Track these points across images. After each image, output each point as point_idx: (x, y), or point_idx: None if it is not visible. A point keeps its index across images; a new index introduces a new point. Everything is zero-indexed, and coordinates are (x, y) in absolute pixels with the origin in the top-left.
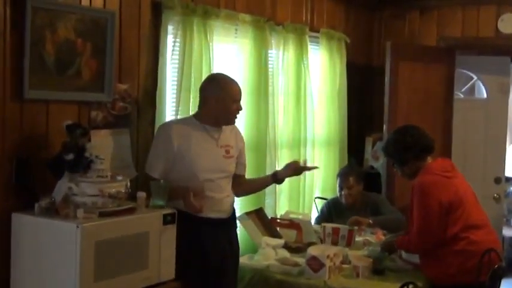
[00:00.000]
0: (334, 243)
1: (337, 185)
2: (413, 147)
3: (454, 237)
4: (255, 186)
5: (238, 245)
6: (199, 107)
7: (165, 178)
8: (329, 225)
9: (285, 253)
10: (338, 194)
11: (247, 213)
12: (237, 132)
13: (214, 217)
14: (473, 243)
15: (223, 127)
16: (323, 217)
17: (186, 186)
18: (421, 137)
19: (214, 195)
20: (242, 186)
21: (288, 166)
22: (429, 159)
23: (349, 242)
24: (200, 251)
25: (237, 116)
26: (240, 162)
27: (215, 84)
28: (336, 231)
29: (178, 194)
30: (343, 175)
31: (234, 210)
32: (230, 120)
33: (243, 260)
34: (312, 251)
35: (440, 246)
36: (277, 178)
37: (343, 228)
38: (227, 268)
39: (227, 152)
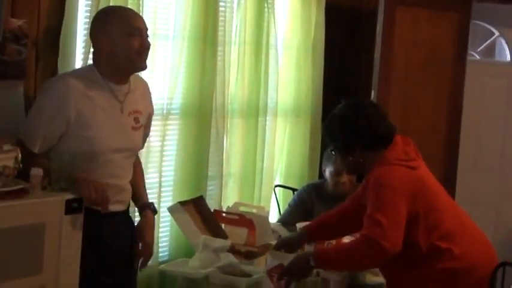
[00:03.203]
0: None
1: (331, 170)
2: (366, 134)
3: (433, 251)
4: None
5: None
6: (93, 57)
7: (47, 151)
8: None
9: (230, 258)
10: (331, 182)
11: (182, 203)
12: (146, 91)
13: (115, 210)
14: (455, 259)
15: (132, 85)
16: (303, 207)
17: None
18: (380, 121)
19: (116, 181)
20: None
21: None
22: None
23: None
24: (98, 253)
25: (145, 56)
26: (145, 133)
27: (103, 18)
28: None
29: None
30: None
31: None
32: (135, 64)
33: (172, 266)
34: (276, 256)
35: (413, 265)
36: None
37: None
38: (129, 274)
39: (136, 120)
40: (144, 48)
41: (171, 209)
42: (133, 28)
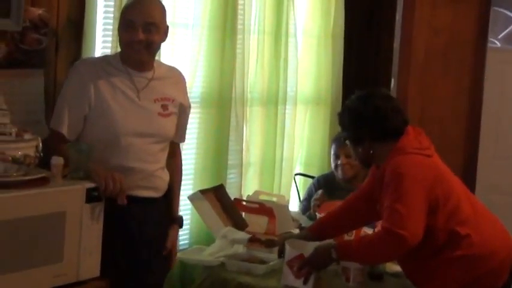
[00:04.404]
0: None
1: (332, 153)
2: (372, 125)
3: (452, 238)
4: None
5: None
6: None
7: (77, 138)
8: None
9: (240, 249)
10: (333, 165)
11: (203, 192)
12: (180, 81)
13: (142, 196)
14: (474, 245)
15: (157, 72)
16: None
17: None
18: (390, 113)
19: (143, 166)
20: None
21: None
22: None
23: None
24: (125, 239)
25: (140, 49)
26: (178, 124)
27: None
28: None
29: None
30: (341, 139)
31: (169, 188)
32: (129, 56)
33: (188, 254)
34: (295, 246)
35: (432, 254)
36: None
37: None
38: (157, 262)
39: (164, 107)
40: (132, 41)
41: (191, 198)
42: (127, 20)
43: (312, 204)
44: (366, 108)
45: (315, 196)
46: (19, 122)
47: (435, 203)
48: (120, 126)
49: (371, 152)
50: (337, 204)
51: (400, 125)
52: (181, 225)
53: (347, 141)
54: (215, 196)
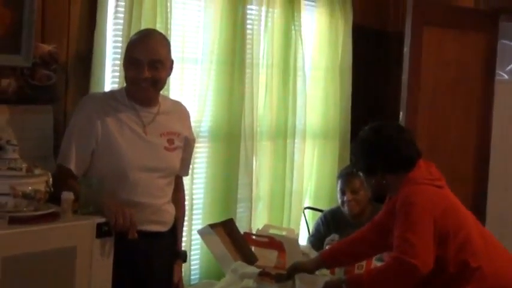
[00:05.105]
0: None
1: (338, 189)
2: (385, 155)
3: (463, 271)
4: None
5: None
6: None
7: (84, 172)
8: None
9: (250, 284)
10: (339, 201)
11: (212, 226)
12: (184, 116)
13: (151, 230)
14: (486, 279)
15: (163, 106)
16: (320, 237)
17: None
18: (402, 145)
19: (151, 200)
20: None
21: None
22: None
23: None
24: (133, 274)
25: (147, 87)
26: (183, 157)
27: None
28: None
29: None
30: (347, 175)
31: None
32: (133, 92)
33: None
34: (305, 282)
35: (444, 286)
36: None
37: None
38: None
39: (170, 141)
40: (138, 78)
41: (201, 232)
42: (131, 58)
43: (325, 247)
44: (379, 138)
45: (329, 242)
46: (28, 157)
47: (445, 234)
48: (128, 161)
49: (383, 182)
50: None
51: (412, 156)
52: (185, 260)
53: (360, 173)
54: (225, 230)
